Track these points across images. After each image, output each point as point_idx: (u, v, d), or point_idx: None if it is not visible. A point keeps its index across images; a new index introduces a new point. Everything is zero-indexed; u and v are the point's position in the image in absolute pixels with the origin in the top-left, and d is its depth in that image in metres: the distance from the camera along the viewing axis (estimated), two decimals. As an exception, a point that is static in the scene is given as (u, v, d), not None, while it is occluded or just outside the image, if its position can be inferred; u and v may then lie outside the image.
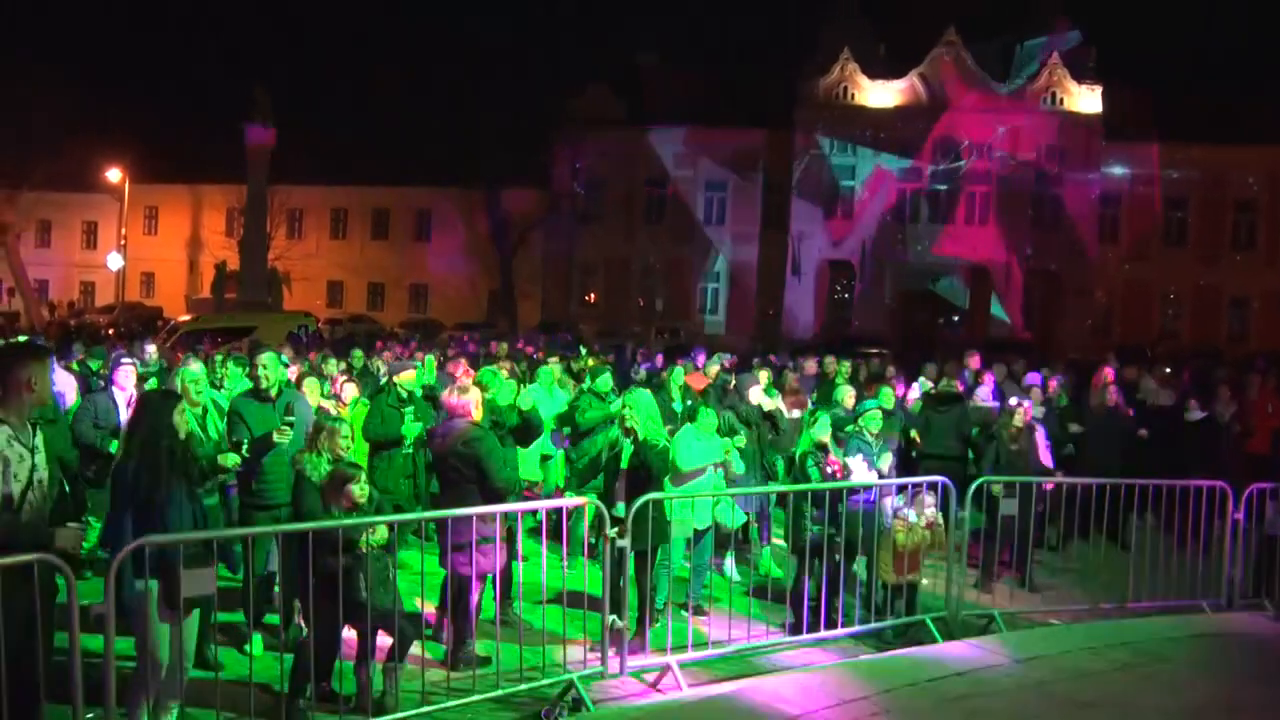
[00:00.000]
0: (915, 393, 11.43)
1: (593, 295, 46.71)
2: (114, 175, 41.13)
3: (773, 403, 8.96)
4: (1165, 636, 6.64)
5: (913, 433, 9.81)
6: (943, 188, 40.12)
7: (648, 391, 7.04)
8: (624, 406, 6.79)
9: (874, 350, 26.34)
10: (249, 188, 32.06)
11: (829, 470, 7.02)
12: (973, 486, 7.22)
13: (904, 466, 9.77)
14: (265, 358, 6.57)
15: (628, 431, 6.68)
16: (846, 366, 12.64)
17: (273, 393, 6.53)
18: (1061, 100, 39.62)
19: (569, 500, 6.78)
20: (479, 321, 41.13)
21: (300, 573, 4.97)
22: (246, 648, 5.20)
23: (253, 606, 5.00)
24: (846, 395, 9.03)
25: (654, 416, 6.68)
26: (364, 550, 5.18)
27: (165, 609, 4.57)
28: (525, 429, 7.12)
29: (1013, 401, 9.05)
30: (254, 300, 29.19)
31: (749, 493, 7.93)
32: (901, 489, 7.31)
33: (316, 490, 5.47)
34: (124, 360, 7.89)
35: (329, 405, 7.77)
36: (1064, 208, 39.73)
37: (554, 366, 10.99)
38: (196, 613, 4.84)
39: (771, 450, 8.88)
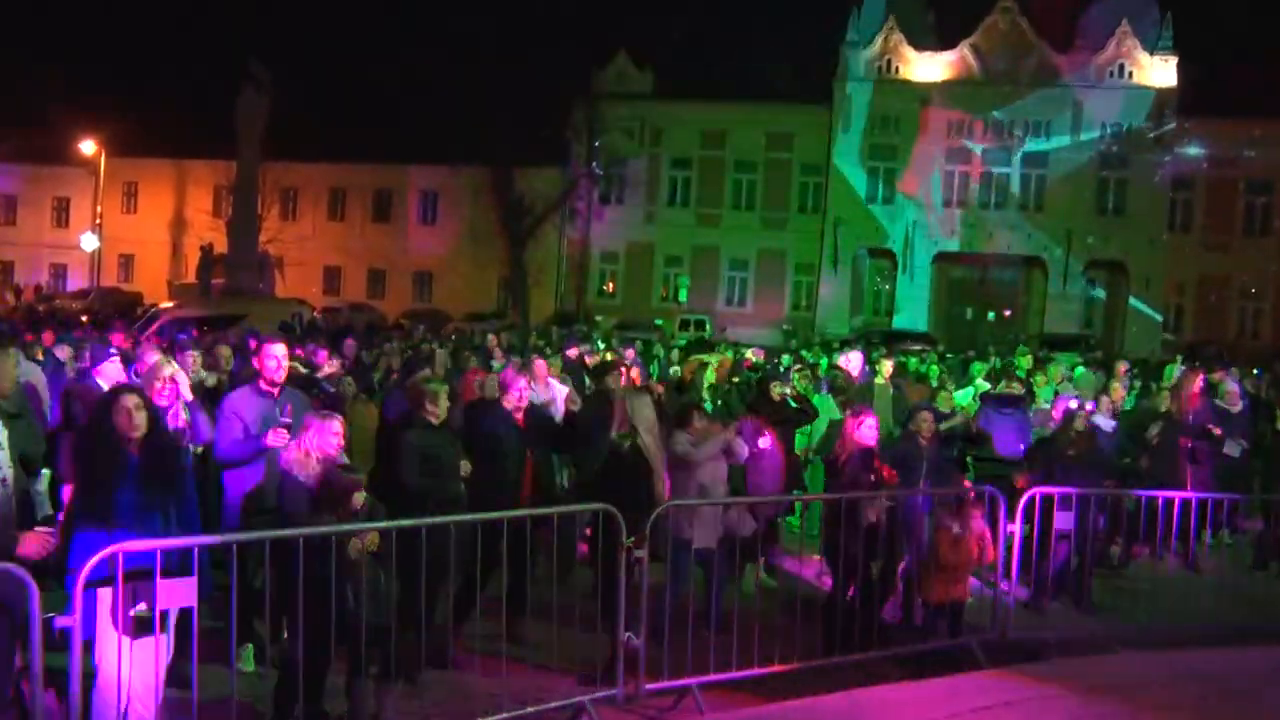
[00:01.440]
0: (964, 395, 11.32)
1: (611, 284, 46.70)
2: (88, 148, 41.36)
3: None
4: (1251, 670, 6.43)
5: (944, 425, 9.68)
6: (996, 170, 39.78)
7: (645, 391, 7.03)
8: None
9: (917, 347, 26.21)
10: (239, 163, 32.13)
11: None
12: (1024, 497, 7.13)
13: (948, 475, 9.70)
14: (277, 349, 6.54)
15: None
16: (887, 364, 12.54)
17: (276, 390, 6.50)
18: (1130, 73, 39.08)
19: (580, 507, 6.75)
20: (488, 312, 41.22)
21: (286, 583, 4.97)
22: (238, 665, 5.19)
23: (242, 619, 4.97)
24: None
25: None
26: (355, 558, 5.15)
27: (127, 623, 4.56)
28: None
29: (1072, 404, 8.93)
30: (243, 286, 29.28)
31: (769, 501, 7.87)
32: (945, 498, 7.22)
33: (307, 492, 5.44)
34: (110, 354, 7.92)
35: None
36: (1131, 192, 39.21)
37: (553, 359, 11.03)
38: (174, 627, 4.84)
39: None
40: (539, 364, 9.95)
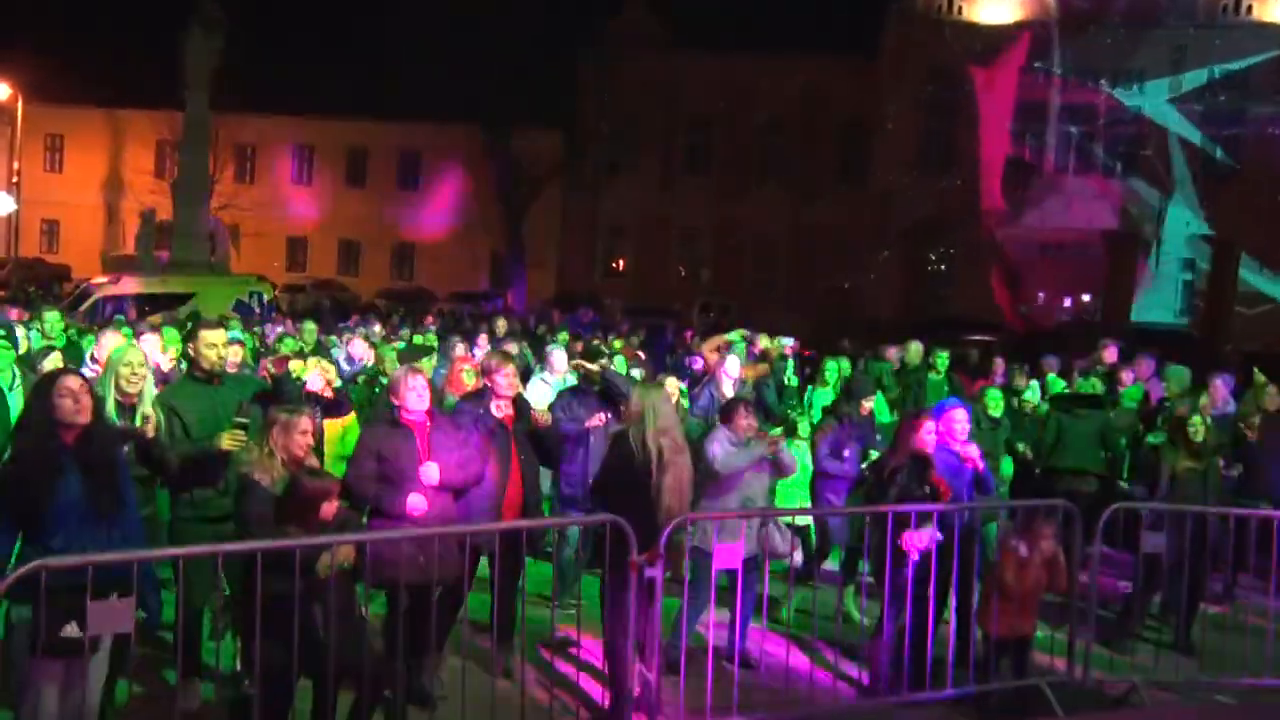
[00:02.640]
0: (1032, 393, 11.25)
1: (621, 262, 46.67)
2: (1, 92, 41.15)
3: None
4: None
5: (1021, 447, 9.64)
6: (1075, 130, 39.49)
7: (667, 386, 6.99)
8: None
9: (978, 337, 26.12)
10: (185, 115, 32.06)
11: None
12: (1106, 513, 7.05)
13: (1017, 487, 9.61)
14: (214, 335, 6.51)
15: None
16: (945, 357, 12.47)
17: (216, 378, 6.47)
18: (1249, 7, 38.27)
19: (584, 519, 6.68)
20: (479, 292, 41.27)
21: (244, 605, 4.92)
22: (182, 702, 5.16)
23: (189, 647, 4.94)
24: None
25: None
26: (324, 575, 5.12)
27: (51, 650, 4.51)
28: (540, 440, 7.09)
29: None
30: (191, 260, 29.30)
31: (796, 514, 7.87)
32: (1011, 514, 7.15)
33: (268, 497, 5.43)
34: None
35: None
36: (1246, 156, 38.33)
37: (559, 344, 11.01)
38: (107, 656, 4.80)
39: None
40: (557, 355, 10.01)
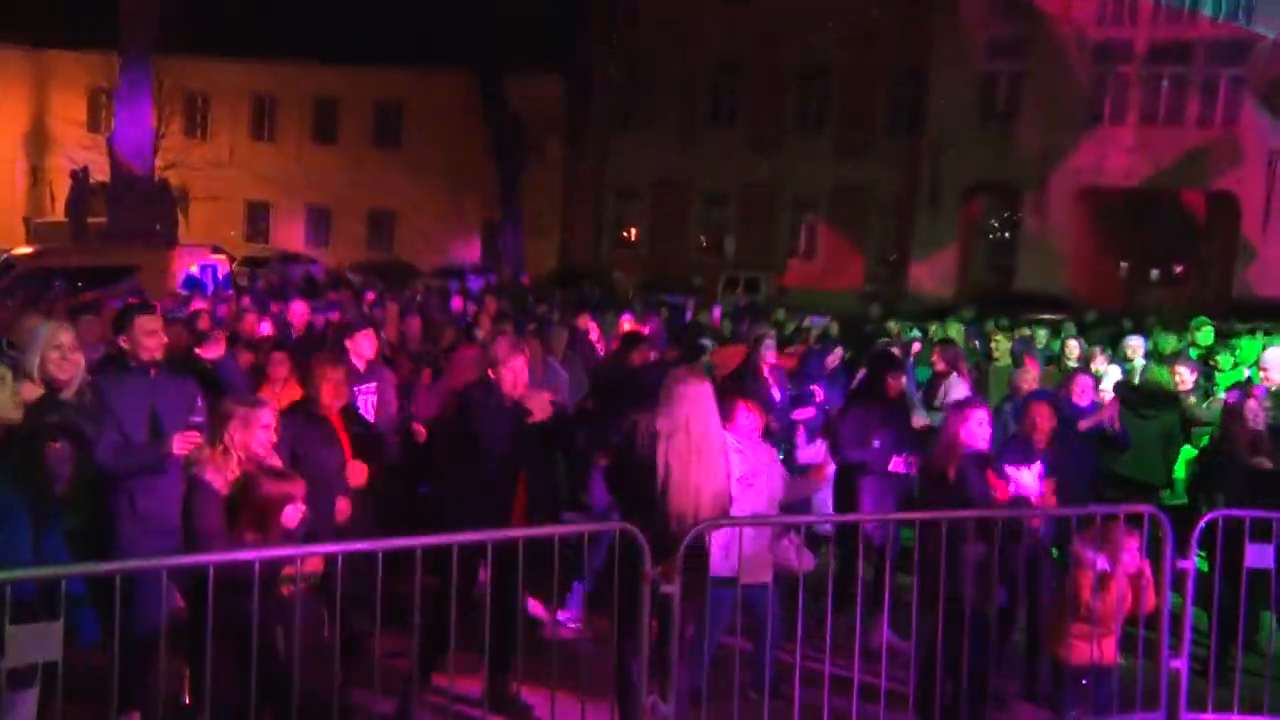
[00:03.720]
0: (1111, 381, 11.20)
1: (633, 231, 46.62)
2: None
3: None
4: None
5: None
6: (1166, 68, 39.09)
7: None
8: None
9: (1049, 315, 25.99)
10: (123, 58, 32.03)
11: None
12: (1202, 522, 7.00)
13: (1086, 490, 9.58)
14: (147, 322, 6.53)
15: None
16: (1005, 342, 12.46)
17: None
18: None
19: (589, 526, 6.66)
20: (469, 265, 41.29)
21: (194, 627, 4.93)
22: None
23: (128, 676, 4.93)
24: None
25: None
26: (288, 592, 5.12)
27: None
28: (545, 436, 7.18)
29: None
30: (133, 228, 29.30)
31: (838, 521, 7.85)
32: (1085, 521, 7.11)
33: (223, 502, 5.43)
34: None
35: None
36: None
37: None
38: (36, 692, 4.81)
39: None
40: (564, 341, 10.07)
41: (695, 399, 6.65)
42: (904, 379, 9.43)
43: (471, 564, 6.30)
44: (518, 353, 7.16)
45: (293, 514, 5.41)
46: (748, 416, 7.31)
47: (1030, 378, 10.35)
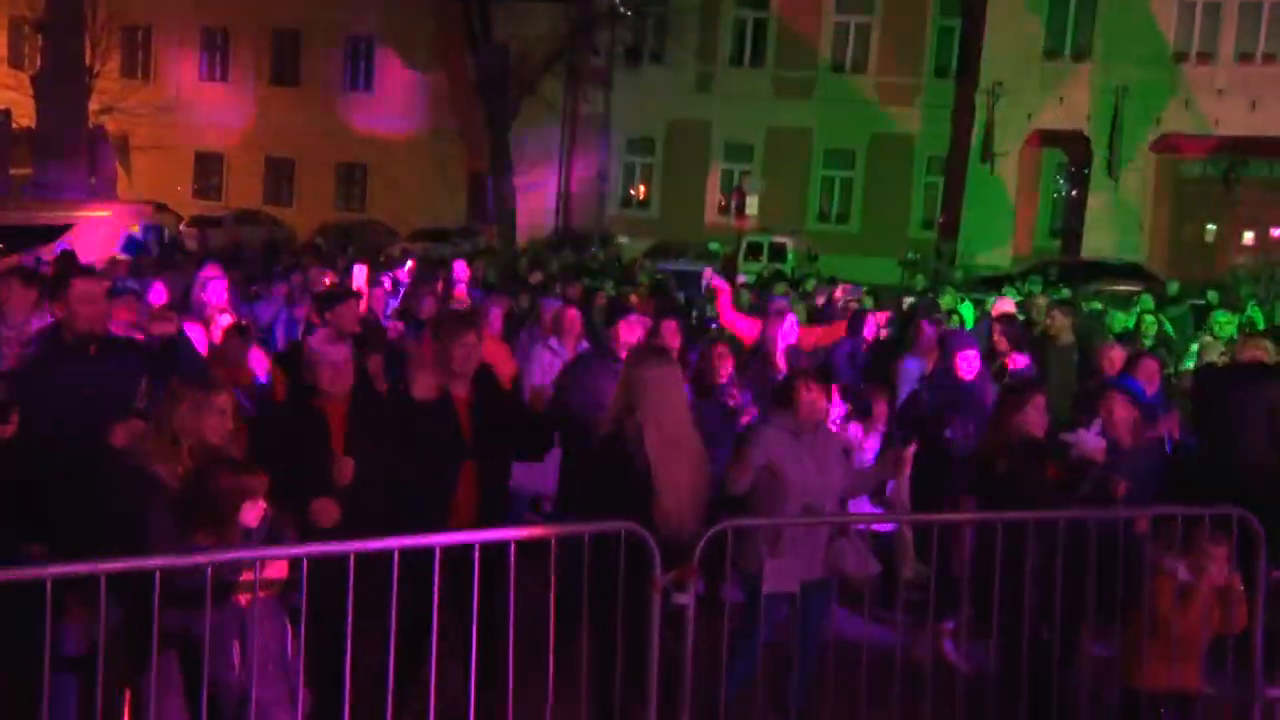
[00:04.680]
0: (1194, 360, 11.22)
1: (642, 188, 46.54)
2: None
3: None
4: None
5: None
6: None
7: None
8: None
9: (1123, 286, 25.97)
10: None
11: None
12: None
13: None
14: (87, 289, 6.53)
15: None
16: (1063, 318, 12.44)
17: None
18: None
19: (590, 525, 6.67)
20: (452, 227, 41.27)
21: (135, 643, 4.94)
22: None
23: (60, 697, 4.95)
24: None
25: None
26: (245, 601, 5.13)
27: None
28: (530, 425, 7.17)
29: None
30: (63, 181, 29.28)
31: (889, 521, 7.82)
32: (1162, 522, 7.09)
33: (172, 499, 5.45)
34: None
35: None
36: None
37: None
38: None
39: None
40: (570, 316, 10.28)
41: (662, 384, 6.72)
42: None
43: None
44: (464, 331, 7.13)
45: (252, 512, 5.42)
46: (809, 398, 7.33)
47: (1117, 357, 10.29)
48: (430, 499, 6.82)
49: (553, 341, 10.34)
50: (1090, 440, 7.06)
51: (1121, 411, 7.87)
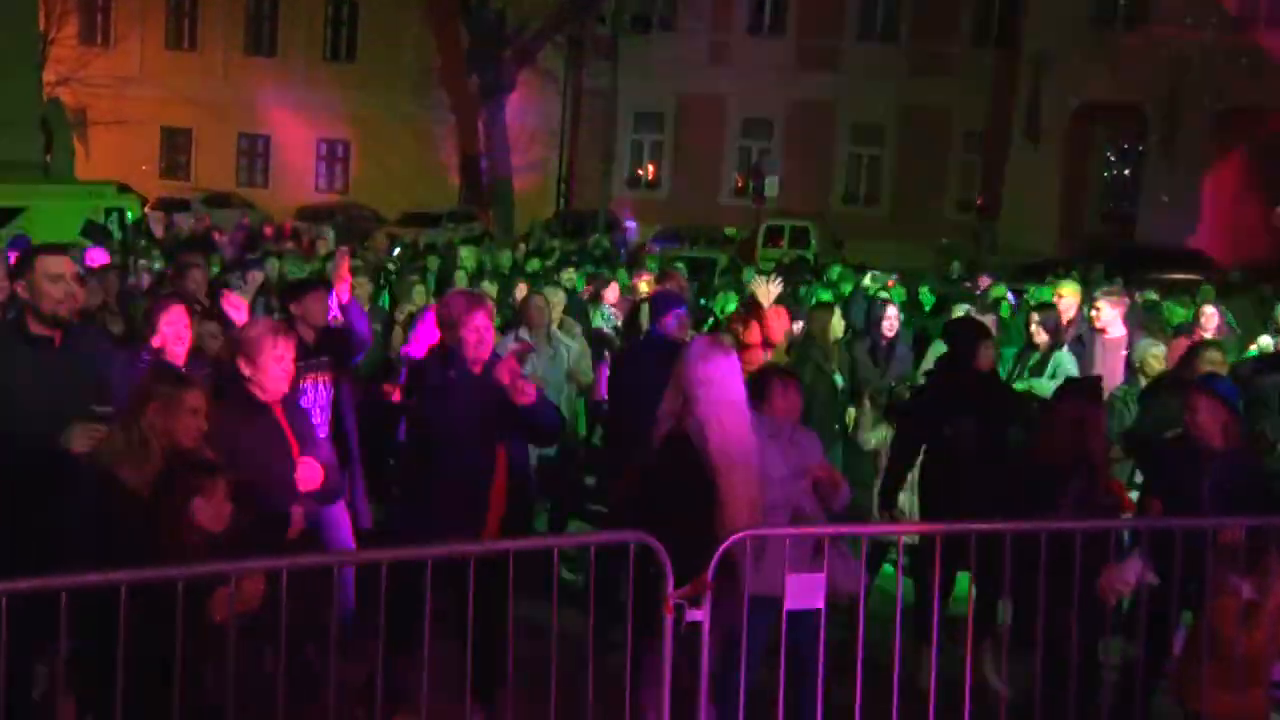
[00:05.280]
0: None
1: (651, 168, 46.55)
2: None
3: None
4: None
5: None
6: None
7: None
8: None
9: (1179, 275, 25.92)
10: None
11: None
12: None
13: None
14: (57, 263, 6.54)
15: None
16: (1110, 308, 12.39)
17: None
18: None
19: (599, 536, 6.66)
20: (443, 210, 41.26)
21: (97, 666, 4.96)
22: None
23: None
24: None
25: None
26: (220, 621, 5.15)
27: None
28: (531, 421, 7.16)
29: None
30: (15, 159, 29.26)
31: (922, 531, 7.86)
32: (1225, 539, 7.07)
33: (137, 505, 5.45)
34: None
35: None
36: None
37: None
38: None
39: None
40: (537, 304, 10.34)
41: (726, 379, 6.69)
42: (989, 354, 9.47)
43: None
44: (477, 309, 7.10)
45: (206, 511, 5.42)
46: (785, 398, 7.35)
47: (1160, 354, 10.27)
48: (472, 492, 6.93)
49: (521, 334, 10.35)
50: (1129, 571, 7.00)
51: (1208, 415, 7.83)
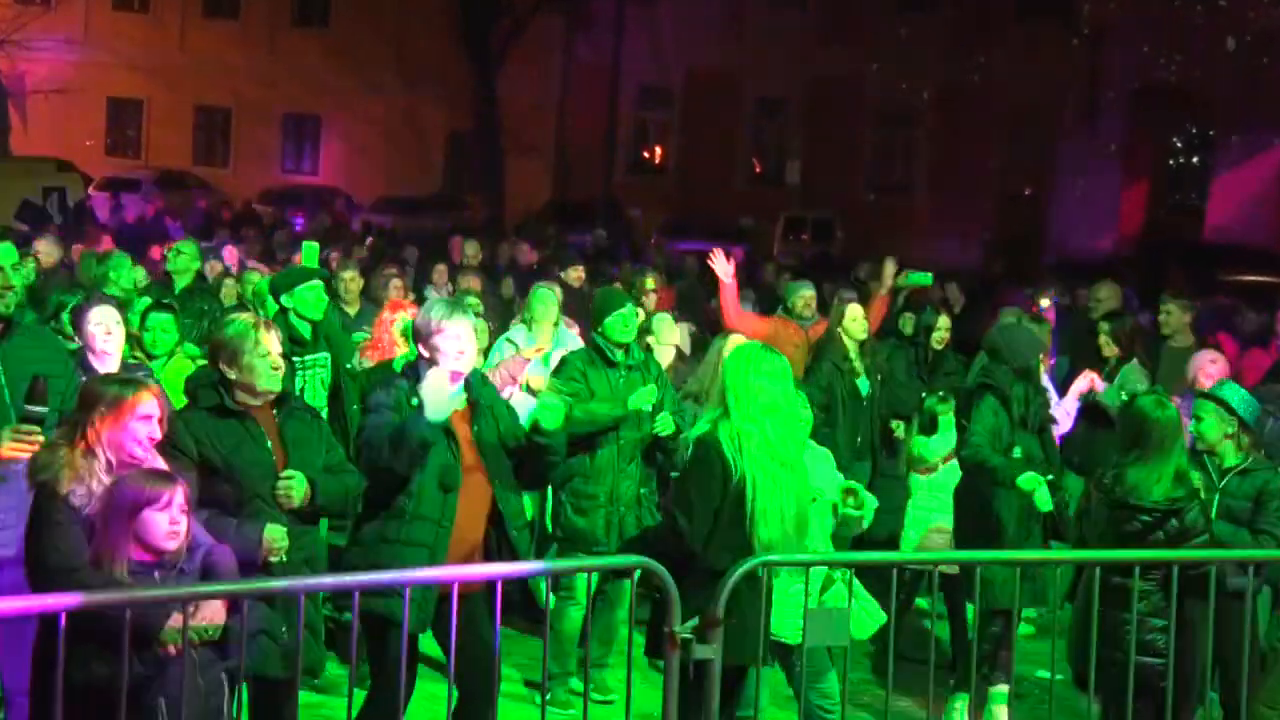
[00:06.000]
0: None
1: (658, 150, 46.57)
2: None
3: None
4: None
5: None
6: None
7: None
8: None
9: (1254, 277, 25.91)
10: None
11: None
12: None
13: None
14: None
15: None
16: (1180, 312, 12.41)
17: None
18: None
19: (597, 563, 6.67)
20: (426, 196, 41.28)
21: (38, 698, 4.94)
22: None
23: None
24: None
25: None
26: (173, 650, 5.14)
27: None
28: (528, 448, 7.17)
29: None
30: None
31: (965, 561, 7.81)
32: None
33: (81, 523, 5.45)
34: None
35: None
36: None
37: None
38: None
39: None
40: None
41: (773, 381, 6.71)
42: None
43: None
44: (455, 318, 7.06)
45: (154, 527, 5.39)
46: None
47: (1209, 364, 10.22)
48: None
49: (518, 333, 10.39)
50: None
51: None
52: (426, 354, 6.86)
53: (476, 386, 7.03)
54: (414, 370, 7.00)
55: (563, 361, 9.14)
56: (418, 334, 7.04)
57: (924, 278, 13.39)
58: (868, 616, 7.60)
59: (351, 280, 13.00)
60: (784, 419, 6.74)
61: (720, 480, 6.54)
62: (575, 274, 16.00)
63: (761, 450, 6.58)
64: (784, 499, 6.60)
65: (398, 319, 9.57)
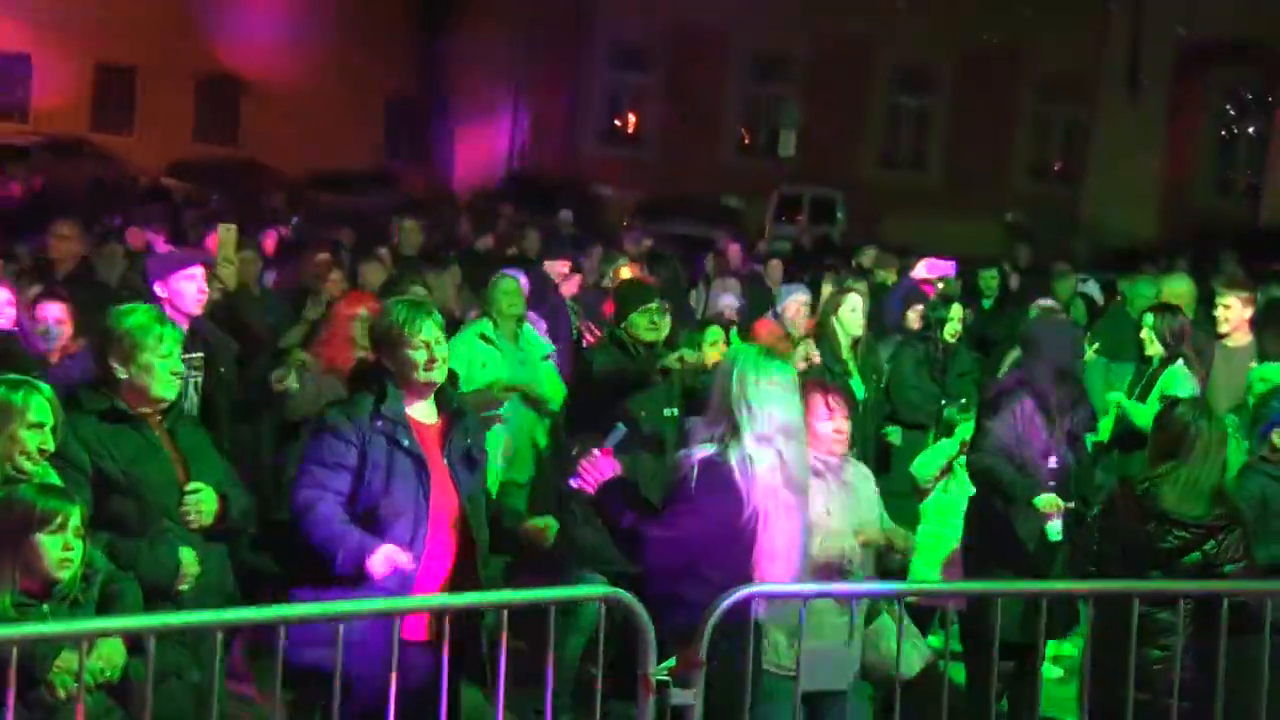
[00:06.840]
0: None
1: (632, 118, 46.65)
2: None
3: None
4: None
5: None
6: None
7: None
8: None
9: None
10: None
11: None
12: None
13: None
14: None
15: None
16: (1239, 306, 12.44)
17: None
18: None
19: (573, 594, 6.71)
20: (363, 171, 41.30)
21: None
22: None
23: None
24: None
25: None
26: (64, 694, 5.15)
27: None
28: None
29: None
30: None
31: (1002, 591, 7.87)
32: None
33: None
34: None
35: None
36: None
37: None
38: None
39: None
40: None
41: (784, 396, 6.73)
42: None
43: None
44: (421, 320, 7.04)
45: (47, 552, 5.40)
46: (829, 418, 7.41)
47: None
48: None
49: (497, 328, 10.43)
50: None
51: None
52: (392, 366, 6.86)
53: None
54: (374, 377, 6.98)
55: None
56: (379, 341, 7.03)
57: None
58: (914, 652, 7.63)
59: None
60: (799, 440, 6.77)
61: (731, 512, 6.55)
62: (563, 265, 15.55)
63: (774, 477, 6.58)
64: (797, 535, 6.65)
65: (358, 314, 9.53)
